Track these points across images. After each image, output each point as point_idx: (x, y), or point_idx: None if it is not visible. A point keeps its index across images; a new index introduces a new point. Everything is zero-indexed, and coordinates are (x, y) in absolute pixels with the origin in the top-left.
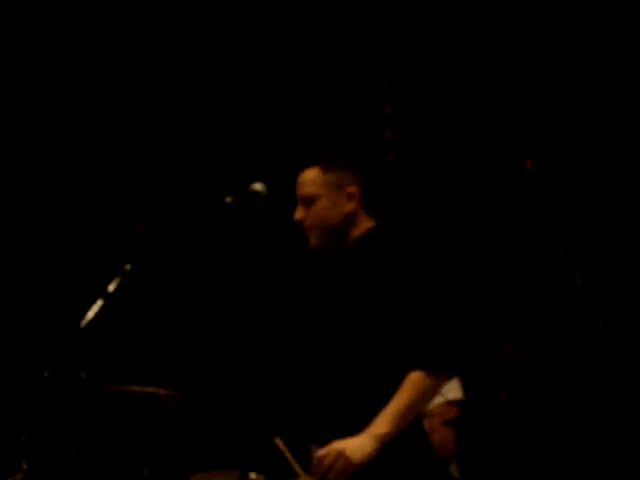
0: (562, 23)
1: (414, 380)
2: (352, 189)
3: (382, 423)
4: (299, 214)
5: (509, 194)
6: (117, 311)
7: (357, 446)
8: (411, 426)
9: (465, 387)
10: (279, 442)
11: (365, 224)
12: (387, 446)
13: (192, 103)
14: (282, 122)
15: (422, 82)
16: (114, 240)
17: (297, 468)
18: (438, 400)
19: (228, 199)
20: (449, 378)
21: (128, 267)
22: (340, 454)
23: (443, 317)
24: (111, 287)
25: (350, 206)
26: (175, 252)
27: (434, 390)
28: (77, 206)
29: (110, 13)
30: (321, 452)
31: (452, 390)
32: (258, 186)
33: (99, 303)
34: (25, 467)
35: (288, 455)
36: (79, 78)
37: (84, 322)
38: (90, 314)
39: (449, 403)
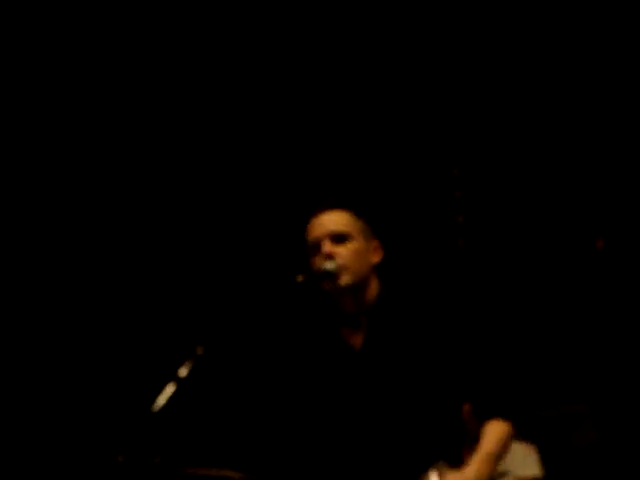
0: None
1: (499, 428)
2: (376, 244)
3: (483, 460)
4: (331, 248)
5: (580, 273)
6: (190, 394)
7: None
8: None
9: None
10: None
11: (377, 284)
12: None
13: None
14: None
15: (491, 167)
16: (186, 324)
17: None
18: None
19: (300, 278)
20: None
21: (200, 351)
22: None
23: (504, 369)
24: (183, 371)
25: (375, 259)
26: (247, 334)
27: (510, 441)
28: (147, 290)
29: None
30: None
31: (527, 466)
32: (329, 265)
33: (171, 387)
34: None
35: None
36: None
37: (157, 406)
38: (162, 398)
39: None
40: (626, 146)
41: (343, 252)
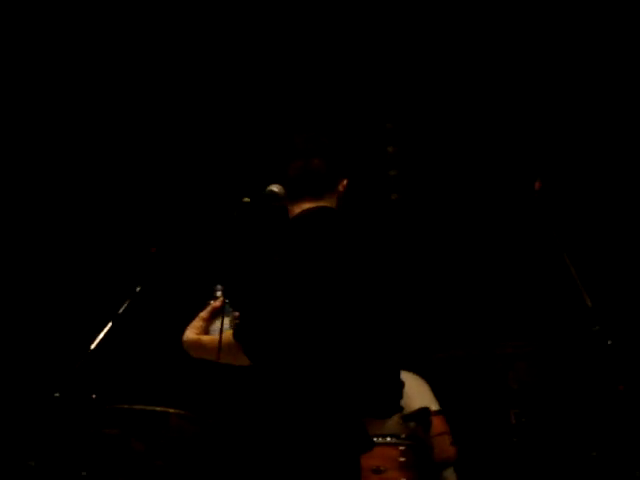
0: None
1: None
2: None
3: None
4: None
5: (518, 215)
6: (127, 333)
7: None
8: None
9: (477, 405)
10: None
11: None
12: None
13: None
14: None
15: (425, 120)
16: (125, 263)
17: None
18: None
19: (246, 199)
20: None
21: (138, 289)
22: None
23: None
24: (121, 309)
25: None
26: (188, 267)
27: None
28: (88, 229)
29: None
30: None
31: (421, 399)
32: (275, 187)
33: (109, 325)
34: None
35: None
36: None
37: (94, 344)
38: (100, 336)
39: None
40: (560, 90)
41: None
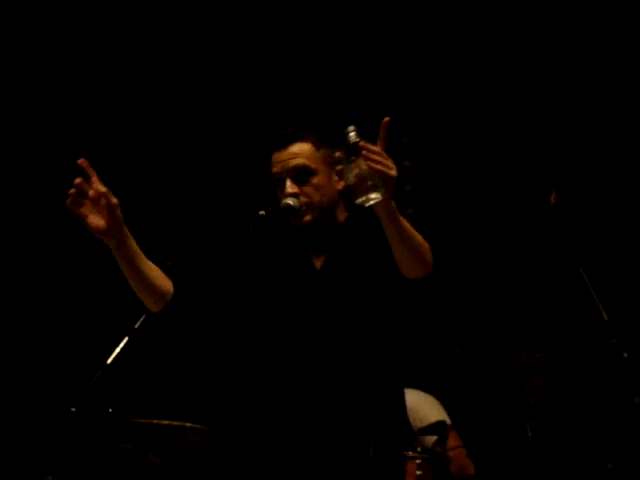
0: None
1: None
2: (342, 167)
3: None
4: (292, 188)
5: (534, 227)
6: (144, 347)
7: None
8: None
9: (493, 419)
10: None
11: (343, 207)
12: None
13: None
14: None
15: (440, 133)
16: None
17: None
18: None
19: (261, 212)
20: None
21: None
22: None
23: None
24: (137, 323)
25: (341, 184)
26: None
27: (424, 252)
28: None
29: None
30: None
31: (435, 413)
32: (291, 201)
33: (125, 339)
34: None
35: None
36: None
37: (111, 358)
38: (117, 350)
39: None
40: (575, 100)
41: (306, 190)
